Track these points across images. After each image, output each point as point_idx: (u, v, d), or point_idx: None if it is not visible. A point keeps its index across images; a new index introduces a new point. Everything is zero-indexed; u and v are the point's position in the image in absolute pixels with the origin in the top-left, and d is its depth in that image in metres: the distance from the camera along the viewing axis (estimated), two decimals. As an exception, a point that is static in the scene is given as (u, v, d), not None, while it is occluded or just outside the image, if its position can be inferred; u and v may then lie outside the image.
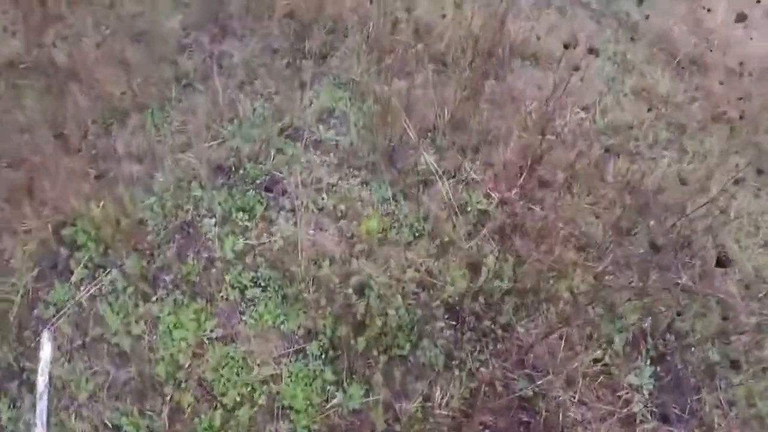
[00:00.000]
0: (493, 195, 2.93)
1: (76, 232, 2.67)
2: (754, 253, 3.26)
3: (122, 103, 3.23)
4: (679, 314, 2.78)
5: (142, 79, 3.35)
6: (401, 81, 3.43)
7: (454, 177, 3.00)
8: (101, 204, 2.69)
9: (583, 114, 3.41)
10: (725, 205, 3.23)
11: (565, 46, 2.39)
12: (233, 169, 3.01)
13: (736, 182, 2.59)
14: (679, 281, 2.89)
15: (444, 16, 3.64)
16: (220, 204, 2.84)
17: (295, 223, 2.73)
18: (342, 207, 2.84)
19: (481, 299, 2.60)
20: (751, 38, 4.13)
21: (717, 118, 2.67)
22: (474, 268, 2.67)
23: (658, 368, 2.69)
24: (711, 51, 4.14)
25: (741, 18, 2.58)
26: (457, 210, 2.83)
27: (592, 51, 2.39)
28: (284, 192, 2.89)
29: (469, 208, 2.90)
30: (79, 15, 3.71)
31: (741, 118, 3.19)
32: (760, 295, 3.10)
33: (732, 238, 3.28)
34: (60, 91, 3.19)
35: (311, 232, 2.72)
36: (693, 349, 2.79)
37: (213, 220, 2.80)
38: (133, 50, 3.52)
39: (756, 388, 2.69)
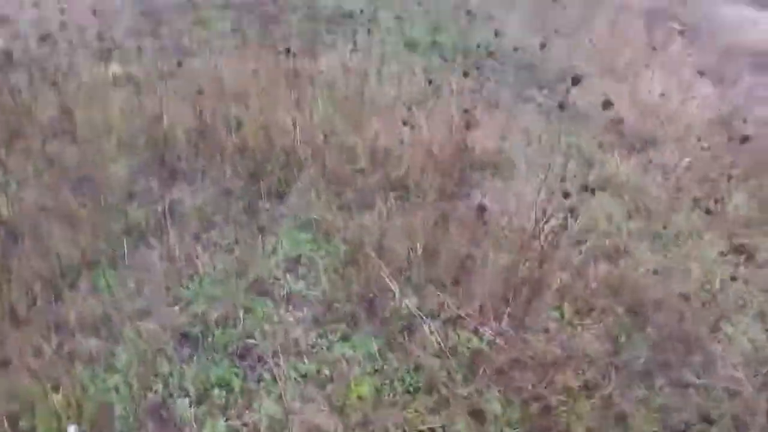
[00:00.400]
0: (482, 330, 2.79)
1: (35, 423, 2.37)
2: (748, 327, 3.19)
3: (71, 262, 3.01)
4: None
5: (91, 234, 3.15)
6: (365, 214, 3.33)
7: (438, 316, 2.85)
8: (59, 388, 2.41)
9: (554, 221, 3.33)
10: (713, 290, 3.17)
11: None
12: (201, 336, 2.78)
13: (733, 279, 2.52)
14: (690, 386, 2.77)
15: (402, 142, 3.58)
16: (192, 380, 2.60)
17: (279, 397, 2.51)
18: (326, 371, 2.63)
19: (493, 452, 2.42)
20: (697, 107, 4.23)
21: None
22: (478, 416, 2.49)
23: (686, 479, 2.55)
24: (664, 127, 4.20)
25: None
26: (448, 354, 2.67)
27: (587, 188, 2.33)
28: (260, 359, 2.69)
29: (459, 349, 2.74)
30: (18, 164, 3.53)
31: (716, 202, 3.16)
32: (765, 371, 3.02)
33: (724, 320, 3.19)
34: (2, 250, 2.97)
35: (297, 405, 2.51)
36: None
37: (187, 400, 2.54)
38: (78, 201, 3.33)
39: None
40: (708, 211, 3.15)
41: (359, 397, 2.51)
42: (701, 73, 4.97)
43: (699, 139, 4.02)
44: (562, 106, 3.00)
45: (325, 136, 3.57)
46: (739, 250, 3.52)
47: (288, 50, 3.93)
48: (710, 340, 3.08)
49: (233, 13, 6.64)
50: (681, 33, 5.93)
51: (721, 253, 3.11)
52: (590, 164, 3.93)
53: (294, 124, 3.75)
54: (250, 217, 3.43)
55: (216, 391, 2.58)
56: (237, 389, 2.59)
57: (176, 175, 3.73)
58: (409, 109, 3.68)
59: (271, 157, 3.74)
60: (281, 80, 4.22)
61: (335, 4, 7.10)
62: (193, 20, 6.25)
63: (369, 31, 4.71)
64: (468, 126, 3.07)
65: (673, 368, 2.80)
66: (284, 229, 3.35)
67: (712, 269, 3.09)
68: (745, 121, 4.15)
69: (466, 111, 3.07)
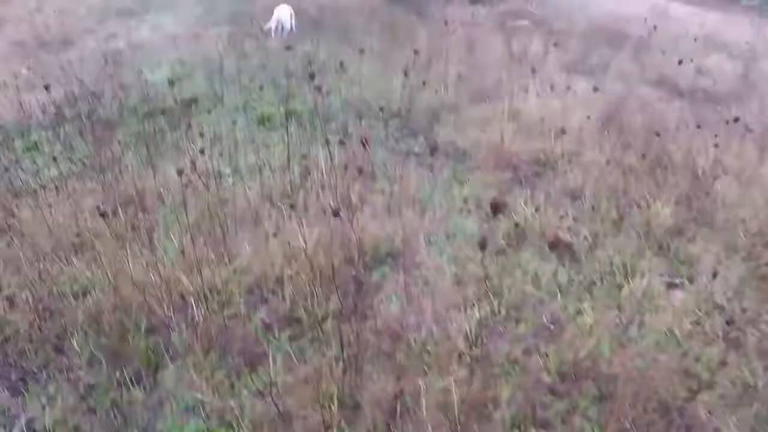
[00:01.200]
0: None
1: None
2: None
3: None
4: None
5: None
6: (258, 373, 2.67)
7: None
8: None
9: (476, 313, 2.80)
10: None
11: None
12: None
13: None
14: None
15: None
16: None
17: None
18: None
19: None
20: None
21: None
22: None
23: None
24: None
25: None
26: None
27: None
28: None
29: None
30: None
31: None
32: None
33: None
34: None
35: None
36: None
37: None
38: None
39: None
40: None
41: None
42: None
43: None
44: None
45: (181, 296, 2.84)
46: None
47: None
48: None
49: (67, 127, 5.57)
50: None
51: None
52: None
53: (148, 273, 3.03)
54: (122, 418, 2.67)
55: None
56: None
57: (27, 380, 2.88)
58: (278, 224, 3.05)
59: (131, 327, 2.97)
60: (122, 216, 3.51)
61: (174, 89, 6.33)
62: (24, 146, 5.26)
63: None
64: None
65: None
66: (168, 424, 2.62)
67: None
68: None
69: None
